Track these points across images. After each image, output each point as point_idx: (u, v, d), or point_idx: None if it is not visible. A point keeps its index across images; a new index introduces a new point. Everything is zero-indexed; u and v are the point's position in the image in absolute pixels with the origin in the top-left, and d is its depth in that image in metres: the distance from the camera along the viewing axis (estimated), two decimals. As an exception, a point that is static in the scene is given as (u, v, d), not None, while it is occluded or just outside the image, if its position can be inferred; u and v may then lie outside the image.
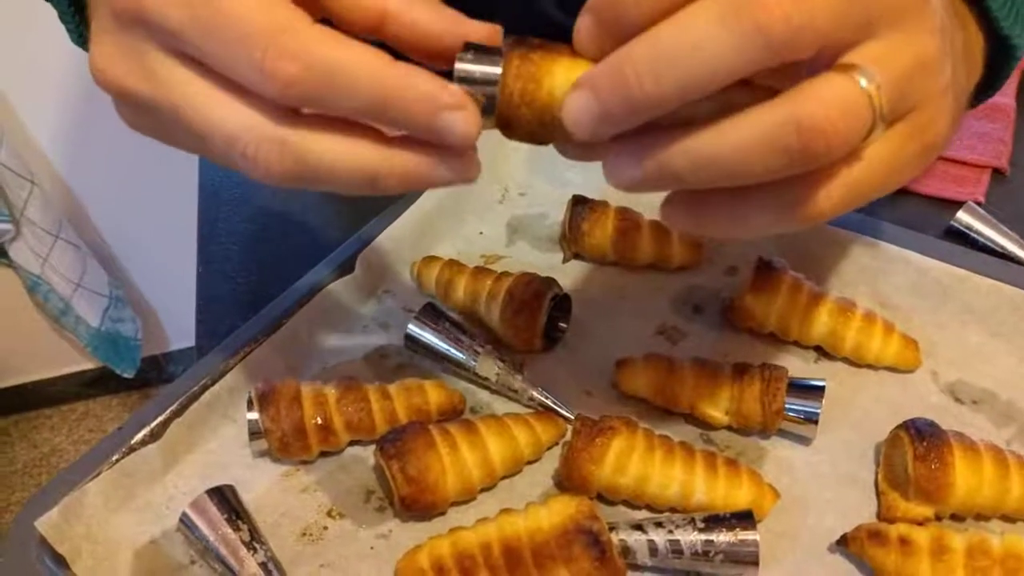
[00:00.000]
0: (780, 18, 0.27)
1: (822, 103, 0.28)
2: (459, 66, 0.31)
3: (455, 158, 0.32)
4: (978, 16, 0.39)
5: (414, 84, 0.31)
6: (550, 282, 0.56)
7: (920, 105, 0.31)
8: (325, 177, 0.32)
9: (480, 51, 0.32)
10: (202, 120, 0.32)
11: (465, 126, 0.31)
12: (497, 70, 0.32)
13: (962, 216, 0.64)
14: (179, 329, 2.04)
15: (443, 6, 0.34)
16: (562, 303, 0.57)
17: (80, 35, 0.41)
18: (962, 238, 0.63)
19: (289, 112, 0.31)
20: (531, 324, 0.54)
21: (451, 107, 0.31)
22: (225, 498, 0.46)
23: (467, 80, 0.31)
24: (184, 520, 0.45)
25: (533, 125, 0.32)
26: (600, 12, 0.30)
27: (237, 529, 0.45)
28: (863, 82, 0.29)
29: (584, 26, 0.31)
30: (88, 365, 2.04)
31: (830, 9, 0.28)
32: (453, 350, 0.54)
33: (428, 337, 0.55)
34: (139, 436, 0.50)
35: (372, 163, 0.32)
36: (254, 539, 0.45)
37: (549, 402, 0.53)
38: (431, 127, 0.31)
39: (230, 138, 0.31)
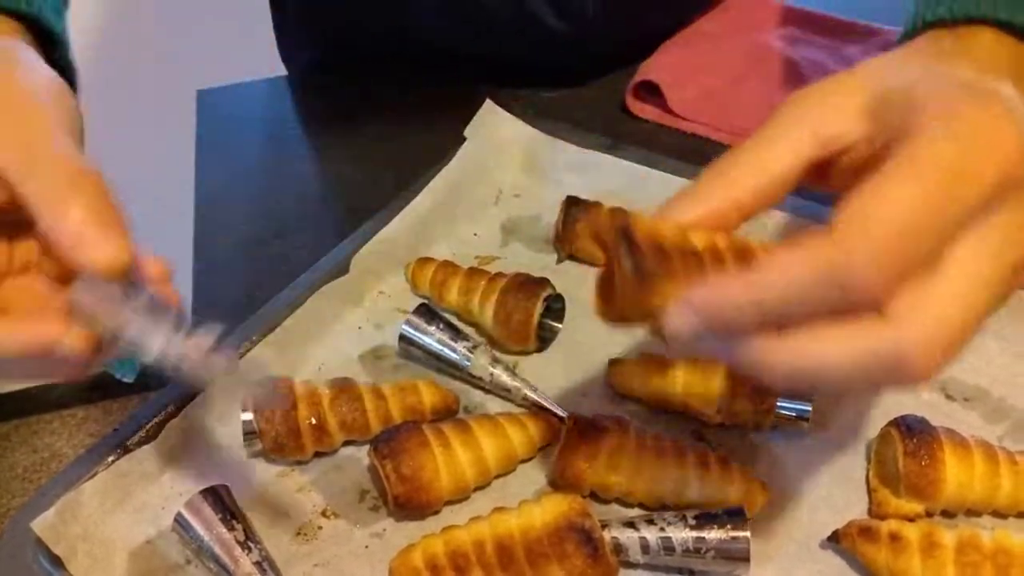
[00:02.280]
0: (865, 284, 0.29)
1: (924, 337, 0.30)
2: None
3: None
4: None
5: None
6: (543, 283, 0.56)
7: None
8: None
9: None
10: None
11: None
12: None
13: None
14: (179, 334, 2.05)
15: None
16: (555, 304, 0.58)
17: None
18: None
19: None
20: (524, 325, 0.55)
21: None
22: (219, 498, 0.46)
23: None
24: (179, 520, 0.45)
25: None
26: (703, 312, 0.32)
27: (232, 529, 0.45)
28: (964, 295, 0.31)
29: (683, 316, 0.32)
30: (88, 370, 2.04)
31: (898, 253, 0.29)
32: (447, 350, 0.55)
33: (422, 338, 0.55)
34: (135, 437, 0.50)
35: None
36: (248, 539, 0.45)
37: (542, 401, 0.53)
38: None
39: None
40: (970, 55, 0.38)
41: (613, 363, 0.54)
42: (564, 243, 0.63)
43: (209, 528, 0.45)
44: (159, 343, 0.39)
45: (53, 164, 0.38)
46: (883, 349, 0.30)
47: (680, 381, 0.52)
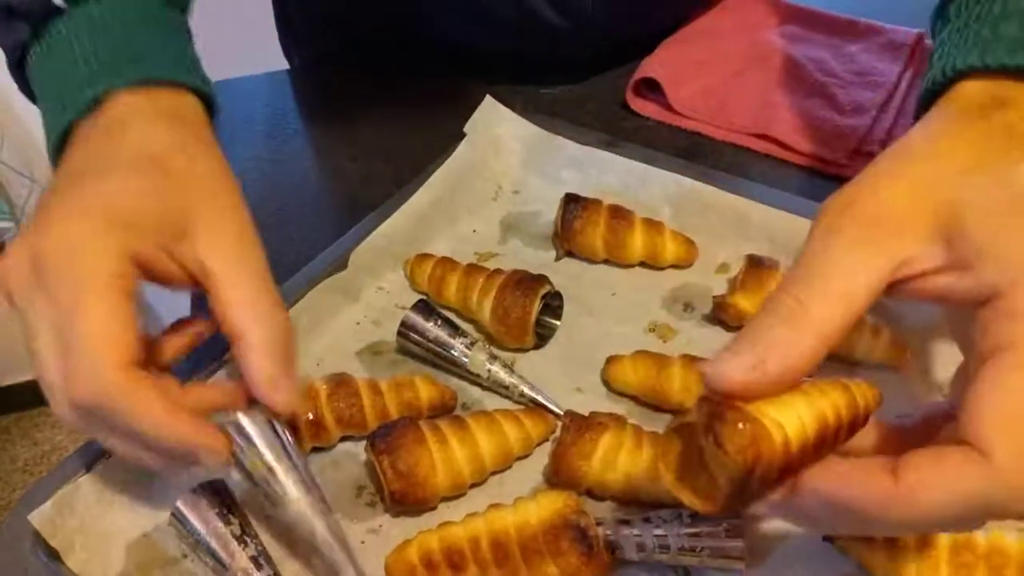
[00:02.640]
0: None
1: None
2: None
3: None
4: None
5: (180, 436, 0.40)
6: (541, 279, 0.56)
7: None
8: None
9: None
10: (38, 367, 0.40)
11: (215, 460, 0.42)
12: None
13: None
14: (180, 327, 2.05)
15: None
16: (553, 301, 0.58)
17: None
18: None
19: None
20: (522, 322, 0.55)
21: (208, 452, 0.41)
22: (216, 492, 0.46)
23: None
24: (176, 514, 0.45)
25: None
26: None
27: (228, 523, 0.45)
28: None
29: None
30: (89, 363, 2.04)
31: None
32: (445, 347, 0.55)
33: (420, 334, 0.55)
34: (132, 431, 0.50)
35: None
36: (245, 533, 0.45)
37: (539, 398, 0.53)
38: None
39: (46, 387, 0.41)
40: (1018, 115, 0.36)
41: (610, 360, 0.54)
42: (563, 240, 0.63)
43: (206, 522, 0.45)
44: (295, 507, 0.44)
45: (264, 291, 0.43)
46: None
47: (677, 379, 0.52)
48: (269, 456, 0.44)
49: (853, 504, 0.31)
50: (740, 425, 0.31)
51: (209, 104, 0.48)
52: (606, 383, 0.55)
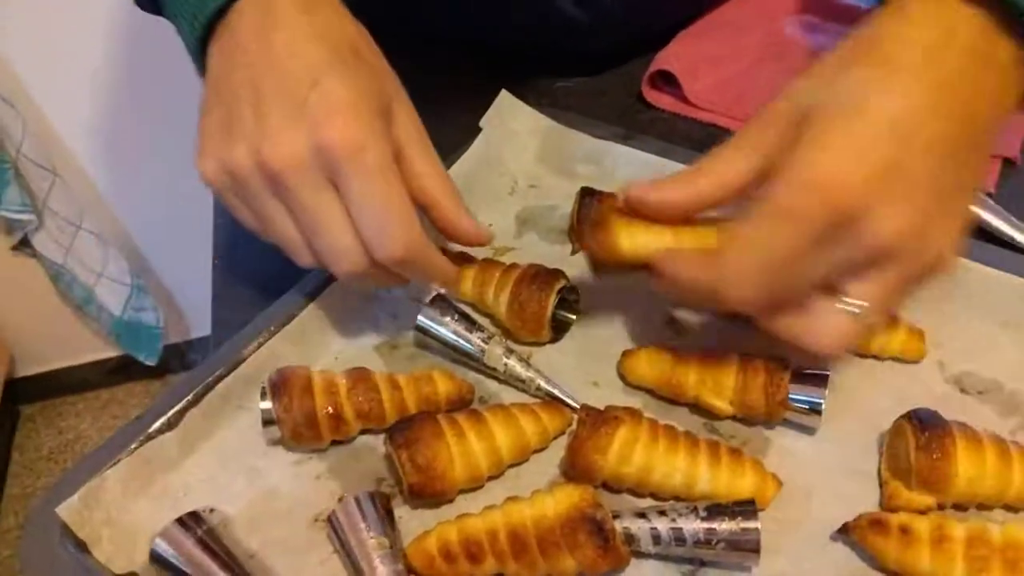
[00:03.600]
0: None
1: (826, 338, 0.44)
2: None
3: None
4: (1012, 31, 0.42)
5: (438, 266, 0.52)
6: (557, 273, 0.57)
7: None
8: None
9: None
10: (331, 236, 0.47)
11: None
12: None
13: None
14: (199, 318, 2.07)
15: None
16: (569, 295, 0.58)
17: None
18: (970, 229, 0.63)
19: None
20: (538, 316, 0.55)
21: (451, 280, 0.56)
22: (196, 522, 0.47)
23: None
24: (154, 554, 0.46)
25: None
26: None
27: (211, 553, 0.46)
28: (861, 314, 0.43)
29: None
30: (111, 353, 2.07)
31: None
32: (462, 341, 0.55)
33: (437, 328, 0.56)
34: (157, 425, 0.51)
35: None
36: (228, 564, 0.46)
37: (556, 392, 0.54)
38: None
39: (340, 251, 0.47)
40: (889, 45, 0.43)
41: (626, 354, 0.55)
42: (579, 234, 0.63)
43: (189, 557, 0.46)
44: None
45: (441, 166, 0.53)
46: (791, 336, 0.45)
47: (693, 373, 0.52)
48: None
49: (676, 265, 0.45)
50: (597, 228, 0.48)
51: None
52: (622, 377, 0.55)
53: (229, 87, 0.47)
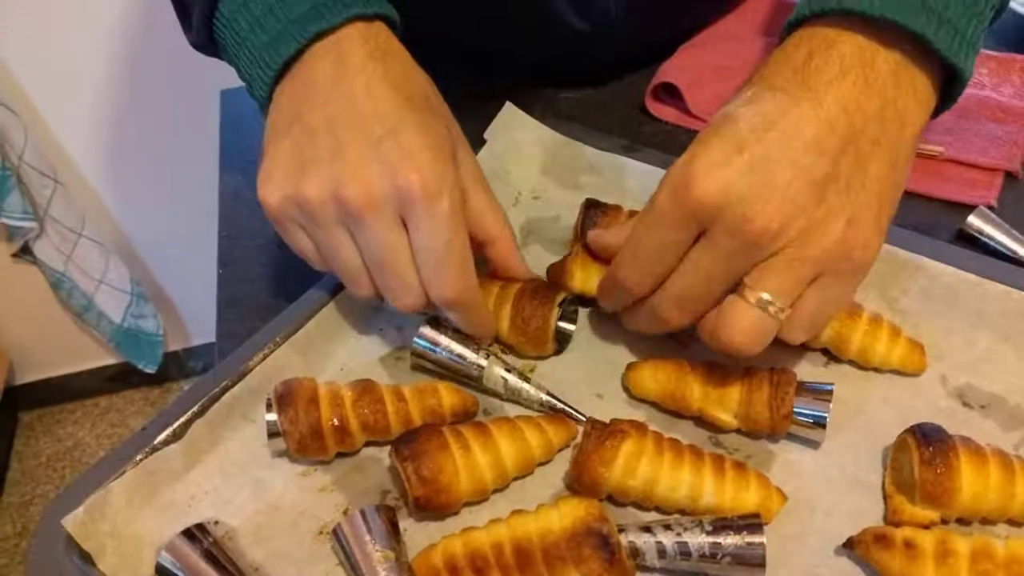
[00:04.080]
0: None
1: (735, 332, 0.46)
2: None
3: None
4: (929, 59, 0.47)
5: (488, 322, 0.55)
6: (557, 286, 0.57)
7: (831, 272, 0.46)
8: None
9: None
10: (396, 272, 0.50)
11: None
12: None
13: (973, 220, 0.64)
14: (199, 325, 2.07)
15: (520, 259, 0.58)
16: (570, 307, 0.58)
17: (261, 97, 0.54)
18: (973, 242, 0.64)
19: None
20: (542, 331, 0.55)
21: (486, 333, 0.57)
22: (198, 535, 0.47)
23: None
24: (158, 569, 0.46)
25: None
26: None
27: (216, 565, 0.46)
28: (769, 308, 0.46)
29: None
30: (111, 360, 2.07)
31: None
32: (458, 362, 0.55)
33: (433, 355, 0.55)
34: (162, 436, 0.51)
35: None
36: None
37: (559, 404, 0.54)
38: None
39: (402, 286, 0.50)
40: (770, 67, 0.48)
41: (630, 367, 0.55)
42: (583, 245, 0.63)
43: (195, 571, 0.46)
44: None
45: (497, 203, 0.56)
46: (648, 309, 0.51)
47: (697, 386, 0.52)
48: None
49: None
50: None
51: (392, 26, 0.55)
52: (626, 390, 0.55)
53: (302, 124, 0.50)
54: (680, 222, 0.45)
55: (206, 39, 0.56)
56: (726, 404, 0.52)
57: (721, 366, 0.53)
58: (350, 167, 0.48)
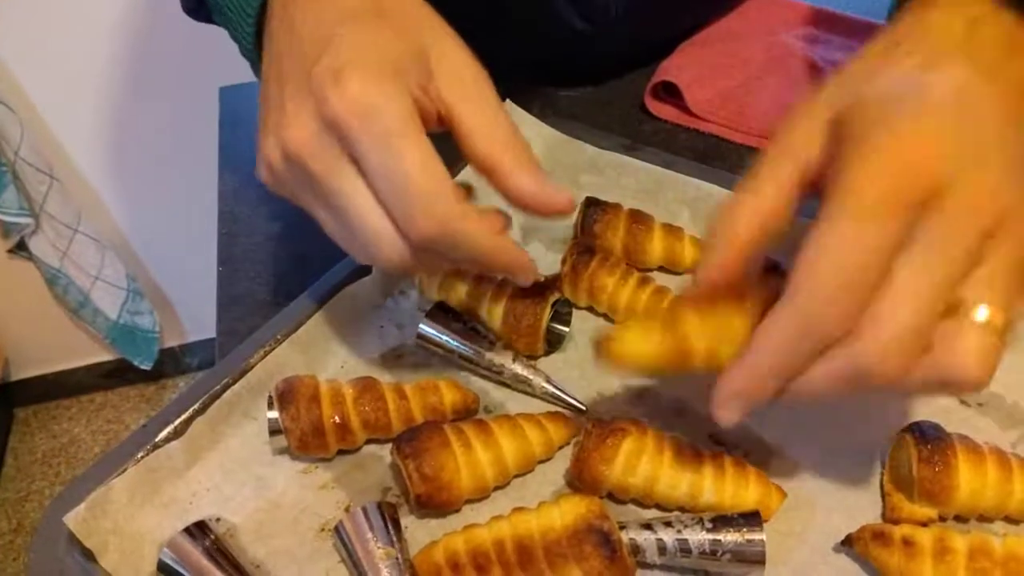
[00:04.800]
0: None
1: (970, 363, 0.36)
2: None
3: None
4: None
5: (504, 253, 0.45)
6: (550, 286, 0.57)
7: None
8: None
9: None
10: (359, 221, 0.42)
11: (527, 277, 0.49)
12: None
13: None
14: (195, 322, 2.07)
15: (538, 171, 0.45)
16: (562, 308, 0.58)
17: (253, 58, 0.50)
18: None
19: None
20: (533, 328, 0.55)
21: (523, 268, 0.48)
22: (202, 532, 0.47)
23: None
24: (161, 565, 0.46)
25: None
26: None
27: (218, 565, 0.46)
28: (983, 318, 0.36)
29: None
30: (106, 357, 2.07)
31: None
32: (465, 344, 0.56)
33: (439, 335, 0.56)
34: (163, 433, 0.52)
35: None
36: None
37: (561, 393, 0.54)
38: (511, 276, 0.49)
39: (371, 237, 0.42)
40: (923, 36, 0.40)
41: (608, 339, 0.44)
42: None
43: (196, 569, 0.46)
44: None
45: (503, 121, 0.45)
46: (850, 365, 0.36)
47: (694, 320, 0.43)
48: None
49: (729, 383, 0.40)
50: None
51: None
52: (613, 361, 0.44)
53: (264, 82, 0.45)
54: (900, 210, 0.35)
55: (195, 2, 0.53)
56: (731, 335, 0.42)
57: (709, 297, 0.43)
58: (289, 110, 0.41)
